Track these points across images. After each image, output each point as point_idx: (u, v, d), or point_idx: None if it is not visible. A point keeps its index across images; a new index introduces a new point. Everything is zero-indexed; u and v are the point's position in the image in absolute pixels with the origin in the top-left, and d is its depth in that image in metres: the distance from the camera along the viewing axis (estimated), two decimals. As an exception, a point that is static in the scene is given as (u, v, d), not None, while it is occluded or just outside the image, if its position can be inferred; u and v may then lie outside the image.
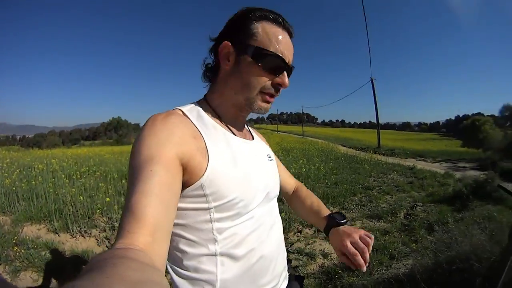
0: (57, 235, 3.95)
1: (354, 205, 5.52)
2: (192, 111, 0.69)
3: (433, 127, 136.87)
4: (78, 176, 6.31)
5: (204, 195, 0.61)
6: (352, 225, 4.57)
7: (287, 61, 0.69)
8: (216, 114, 0.73)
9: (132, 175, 0.53)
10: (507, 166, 10.58)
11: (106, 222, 4.29)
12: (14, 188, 5.21)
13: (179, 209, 0.60)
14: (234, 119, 0.76)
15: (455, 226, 3.66)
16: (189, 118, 0.66)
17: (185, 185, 0.60)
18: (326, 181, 6.80)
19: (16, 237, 3.63)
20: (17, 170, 6.25)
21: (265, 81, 0.68)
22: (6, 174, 6.04)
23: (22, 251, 3.27)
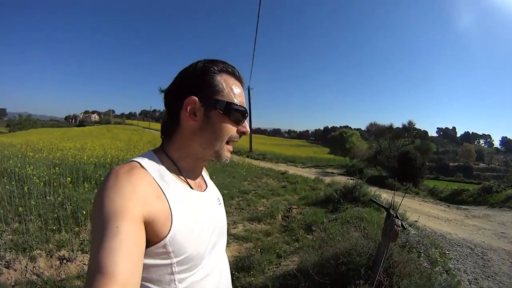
0: None
1: (234, 209, 5.74)
2: (152, 165, 0.68)
3: (302, 135, 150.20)
4: None
5: (167, 253, 0.62)
6: (234, 228, 4.75)
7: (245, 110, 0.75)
8: (176, 167, 0.73)
9: (97, 230, 0.53)
10: (371, 173, 13.52)
11: None
12: None
13: (144, 267, 0.59)
14: (193, 172, 0.78)
15: (331, 226, 4.35)
16: (150, 173, 0.66)
17: (148, 243, 0.60)
18: None
19: None
20: None
21: (233, 131, 0.73)
22: None
23: None
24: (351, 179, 7.98)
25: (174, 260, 0.63)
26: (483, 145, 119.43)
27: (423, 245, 3.49)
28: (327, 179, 10.02)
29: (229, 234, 4.38)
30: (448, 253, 4.63)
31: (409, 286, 2.31)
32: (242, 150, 20.86)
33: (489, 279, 3.99)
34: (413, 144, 21.19)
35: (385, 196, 6.58)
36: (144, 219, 0.58)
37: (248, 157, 15.39)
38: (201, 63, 0.72)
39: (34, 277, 2.89)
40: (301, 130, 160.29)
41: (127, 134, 27.23)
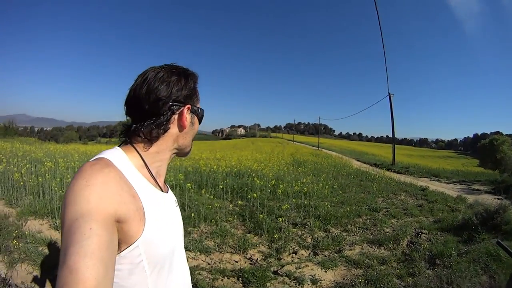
0: (57, 231, 4.01)
1: (357, 228, 5.29)
2: (123, 163, 0.68)
3: (451, 145, 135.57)
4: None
5: (140, 254, 0.63)
6: (350, 250, 4.41)
7: None
8: (147, 167, 0.74)
9: (69, 230, 0.52)
10: None
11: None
12: (22, 183, 5.37)
13: (116, 269, 0.59)
14: (161, 172, 0.80)
15: (457, 262, 3.47)
16: (122, 172, 0.66)
17: (120, 244, 0.60)
18: (331, 199, 6.52)
19: (17, 230, 3.71)
20: (27, 165, 6.44)
21: None
22: (15, 168, 6.21)
23: (21, 244, 3.33)
24: (498, 198, 5.92)
25: (147, 261, 0.65)
26: None
27: None
28: (471, 198, 7.83)
29: (340, 256, 4.16)
30: None
31: None
32: (384, 163, 18.98)
33: None
34: None
35: None
36: (118, 218, 0.58)
37: (389, 170, 13.84)
38: (188, 71, 0.81)
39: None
40: (449, 139, 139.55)
41: (271, 146, 28.29)
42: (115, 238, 0.57)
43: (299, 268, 3.67)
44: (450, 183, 12.81)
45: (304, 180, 7.97)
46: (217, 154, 13.63)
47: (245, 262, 3.74)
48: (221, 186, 6.24)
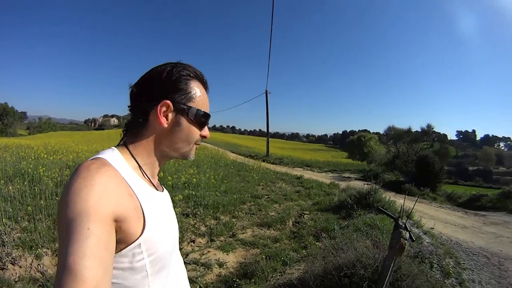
0: None
1: (244, 214, 5.60)
2: (119, 163, 0.67)
3: (321, 139, 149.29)
4: None
5: (142, 252, 0.62)
6: (243, 233, 4.65)
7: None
8: (140, 167, 0.73)
9: (67, 230, 0.52)
10: (388, 178, 13.14)
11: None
12: None
13: (116, 269, 0.59)
14: (154, 172, 0.78)
15: (342, 233, 4.12)
16: (118, 171, 0.65)
17: (120, 244, 0.59)
18: (216, 190, 6.67)
19: None
20: None
21: (198, 136, 0.77)
22: None
23: None
24: (367, 184, 7.62)
25: (148, 260, 0.64)
26: (503, 148, 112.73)
27: (436, 255, 3.20)
28: (343, 184, 9.71)
29: (236, 239, 4.37)
30: (463, 263, 4.37)
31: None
32: (258, 155, 20.61)
33: (504, 291, 3.66)
34: (431, 148, 20.61)
35: (401, 202, 6.27)
36: (115, 218, 0.57)
37: (264, 161, 15.13)
38: (175, 67, 0.73)
39: (38, 274, 2.96)
40: (320, 134, 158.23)
41: None
42: (113, 238, 0.56)
43: (203, 255, 3.74)
44: (323, 172, 15.36)
45: (191, 171, 7.89)
46: (93, 146, 11.93)
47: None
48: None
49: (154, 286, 0.67)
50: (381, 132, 32.39)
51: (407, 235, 1.95)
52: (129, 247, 0.60)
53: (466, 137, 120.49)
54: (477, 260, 4.69)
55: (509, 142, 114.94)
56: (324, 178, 11.92)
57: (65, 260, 0.48)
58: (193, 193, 5.82)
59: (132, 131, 0.74)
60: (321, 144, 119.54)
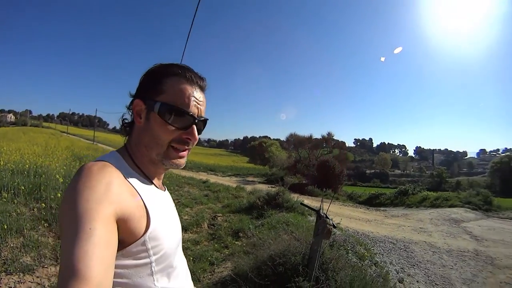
0: None
1: None
2: (120, 164, 0.69)
3: (222, 144, 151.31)
4: None
5: (146, 250, 0.64)
6: None
7: (195, 115, 0.72)
8: (138, 167, 0.74)
9: (69, 229, 0.52)
10: (292, 181, 14.14)
11: None
12: None
13: (119, 267, 0.60)
14: (154, 173, 0.77)
15: (259, 231, 4.55)
16: (120, 172, 0.66)
17: (125, 243, 0.60)
18: None
19: None
20: None
21: (173, 136, 0.71)
22: None
23: None
24: (272, 187, 8.47)
25: (153, 258, 0.65)
26: (398, 154, 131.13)
27: (349, 243, 4.03)
28: (249, 187, 10.33)
29: None
30: (372, 249, 5.31)
31: (345, 278, 2.69)
32: None
33: (414, 267, 4.75)
34: (331, 154, 22.37)
35: (307, 202, 7.28)
36: (118, 217, 0.57)
37: None
38: (154, 67, 0.74)
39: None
40: (221, 139, 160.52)
41: (44, 138, 23.26)
42: (115, 237, 0.56)
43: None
44: (227, 176, 15.69)
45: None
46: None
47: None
48: (21, 188, 4.78)
49: (160, 285, 0.68)
50: (282, 139, 34.82)
51: (331, 222, 2.54)
52: (133, 245, 0.62)
53: (363, 144, 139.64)
54: (384, 246, 5.73)
55: (403, 149, 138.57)
56: (229, 182, 12.34)
57: (67, 260, 0.48)
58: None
59: (128, 134, 0.78)
60: (222, 149, 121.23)
